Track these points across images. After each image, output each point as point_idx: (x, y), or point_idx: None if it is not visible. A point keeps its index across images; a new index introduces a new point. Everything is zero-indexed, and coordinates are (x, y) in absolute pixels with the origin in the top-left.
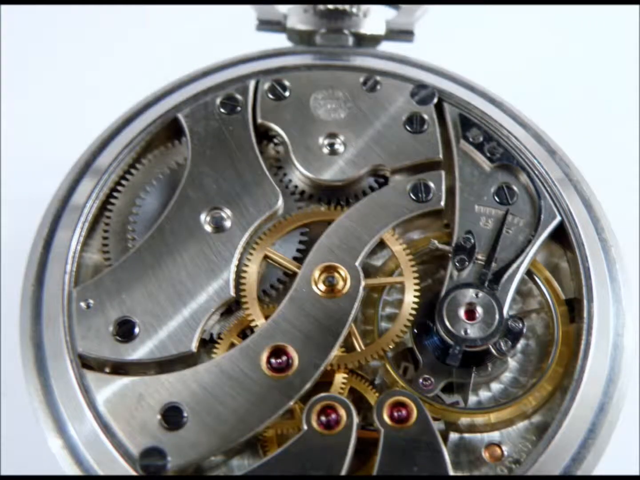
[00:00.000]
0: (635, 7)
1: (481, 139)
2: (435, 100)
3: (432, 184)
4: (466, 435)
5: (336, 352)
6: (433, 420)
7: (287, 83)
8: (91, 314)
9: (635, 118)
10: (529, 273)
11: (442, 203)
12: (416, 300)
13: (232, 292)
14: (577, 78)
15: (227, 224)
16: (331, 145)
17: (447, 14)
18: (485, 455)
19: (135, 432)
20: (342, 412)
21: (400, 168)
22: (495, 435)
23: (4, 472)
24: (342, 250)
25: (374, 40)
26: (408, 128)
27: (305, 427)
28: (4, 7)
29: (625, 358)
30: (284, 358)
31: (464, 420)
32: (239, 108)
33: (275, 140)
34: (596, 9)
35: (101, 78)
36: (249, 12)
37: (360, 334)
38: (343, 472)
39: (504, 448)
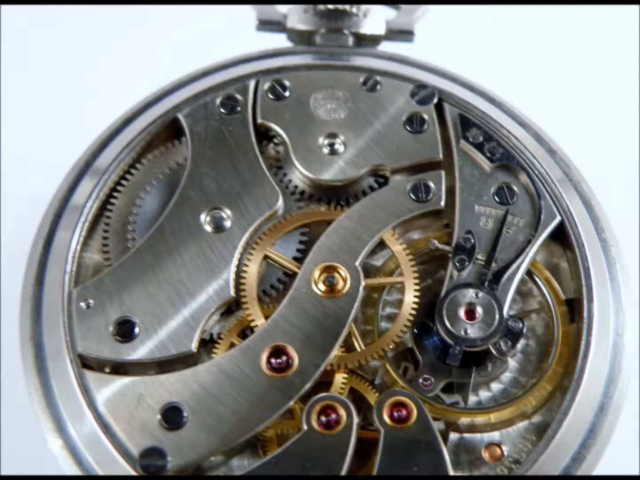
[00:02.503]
0: (635, 7)
1: (481, 139)
2: (435, 100)
3: (432, 184)
4: (466, 435)
5: (336, 352)
6: (433, 420)
7: (287, 83)
8: (91, 314)
9: (635, 118)
10: (529, 273)
11: (442, 203)
12: (416, 300)
13: (232, 292)
14: (577, 78)
15: (227, 224)
16: (331, 145)
17: (447, 14)
18: (485, 455)
19: (135, 432)
20: (342, 412)
21: (400, 168)
22: (495, 435)
23: (4, 472)
24: (342, 250)
25: (374, 40)
26: (408, 128)
27: (305, 427)
28: (4, 7)
29: (625, 358)
30: (284, 358)
31: (464, 420)
32: (239, 108)
33: (275, 140)
34: (596, 9)
35: (101, 78)
36: (249, 12)
37: (360, 334)
38: (343, 472)
39: (504, 448)
